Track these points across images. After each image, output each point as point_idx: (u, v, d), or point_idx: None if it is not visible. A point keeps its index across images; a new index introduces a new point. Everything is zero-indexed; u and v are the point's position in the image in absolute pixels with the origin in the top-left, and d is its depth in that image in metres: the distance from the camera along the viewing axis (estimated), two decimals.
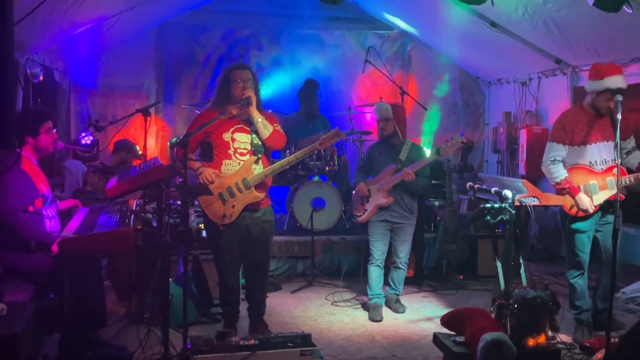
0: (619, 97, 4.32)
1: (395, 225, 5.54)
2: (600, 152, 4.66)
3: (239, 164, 4.52)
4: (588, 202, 4.59)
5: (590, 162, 4.66)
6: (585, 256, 4.72)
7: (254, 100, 4.49)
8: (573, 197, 4.64)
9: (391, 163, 5.48)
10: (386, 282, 5.73)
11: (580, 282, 4.77)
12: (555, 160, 4.69)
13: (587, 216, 4.63)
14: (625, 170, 4.62)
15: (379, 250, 5.55)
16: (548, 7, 5.82)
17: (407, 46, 8.99)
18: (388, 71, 7.79)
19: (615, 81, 4.51)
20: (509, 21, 6.61)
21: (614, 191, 4.28)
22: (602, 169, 4.64)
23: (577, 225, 4.70)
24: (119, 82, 8.17)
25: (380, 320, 5.39)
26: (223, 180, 4.48)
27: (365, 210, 5.56)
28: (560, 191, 4.72)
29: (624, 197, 4.53)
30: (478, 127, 9.23)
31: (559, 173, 4.67)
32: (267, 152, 4.70)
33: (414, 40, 8.97)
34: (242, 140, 4.56)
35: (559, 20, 6.04)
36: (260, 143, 4.59)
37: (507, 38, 6.96)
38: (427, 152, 5.58)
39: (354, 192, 5.74)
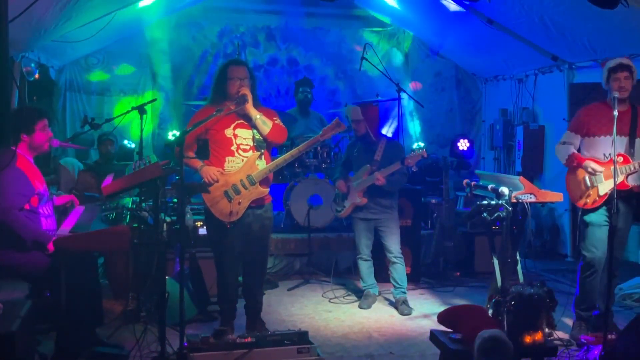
0: (616, 94, 4.34)
1: (377, 221, 5.57)
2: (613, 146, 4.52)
3: (242, 160, 4.48)
4: (595, 164, 4.54)
5: (604, 155, 4.60)
6: (597, 252, 4.58)
7: (250, 97, 4.46)
8: (582, 167, 4.60)
9: (367, 163, 5.52)
10: (390, 284, 5.71)
11: (589, 280, 4.66)
12: (565, 142, 4.74)
13: (597, 207, 4.58)
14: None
15: (363, 245, 5.63)
16: (545, 3, 5.82)
17: (404, 43, 9.00)
18: (384, 68, 7.79)
19: (613, 61, 4.52)
20: (506, 18, 6.61)
21: (619, 179, 4.26)
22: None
23: (589, 217, 4.64)
24: (115, 80, 8.15)
25: (366, 309, 5.52)
26: (227, 177, 4.44)
27: (344, 206, 5.64)
28: (572, 169, 4.70)
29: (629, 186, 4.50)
30: (474, 123, 9.25)
31: (565, 152, 4.69)
32: (268, 147, 4.67)
33: (410, 37, 8.97)
34: (244, 136, 4.52)
35: (555, 17, 6.04)
36: (262, 138, 4.56)
37: (503, 35, 6.96)
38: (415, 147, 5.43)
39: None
